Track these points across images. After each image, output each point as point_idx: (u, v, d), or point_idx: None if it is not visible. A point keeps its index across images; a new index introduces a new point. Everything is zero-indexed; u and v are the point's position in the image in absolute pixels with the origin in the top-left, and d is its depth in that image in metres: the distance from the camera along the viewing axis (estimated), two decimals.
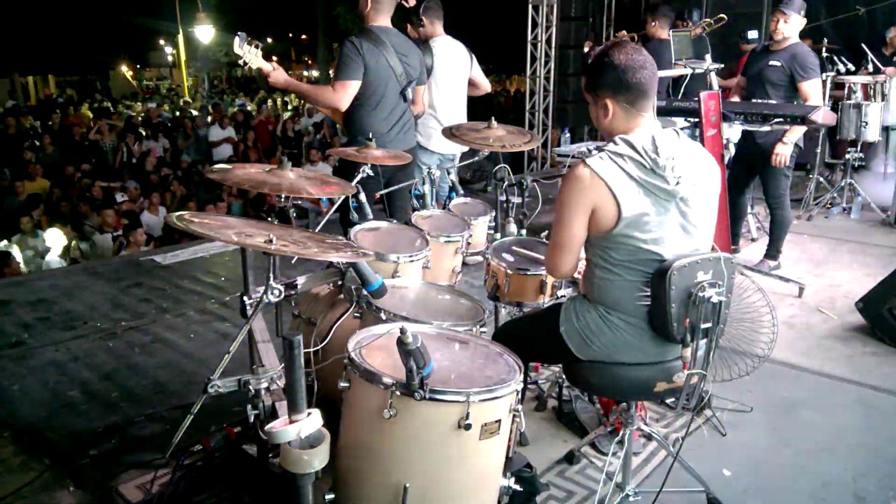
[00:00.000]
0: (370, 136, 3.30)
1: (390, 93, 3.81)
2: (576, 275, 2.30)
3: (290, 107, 19.30)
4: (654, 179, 2.03)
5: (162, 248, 6.52)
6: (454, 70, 4.71)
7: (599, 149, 2.12)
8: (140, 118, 15.93)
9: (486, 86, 5.09)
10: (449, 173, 3.97)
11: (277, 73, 3.67)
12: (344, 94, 3.68)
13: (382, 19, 3.82)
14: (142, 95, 27.65)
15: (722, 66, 5.91)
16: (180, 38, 25.11)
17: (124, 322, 4.18)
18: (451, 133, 3.54)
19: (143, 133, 13.66)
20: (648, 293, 2.09)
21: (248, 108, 18.27)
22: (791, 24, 4.59)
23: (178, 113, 17.73)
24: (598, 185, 2.02)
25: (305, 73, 32.86)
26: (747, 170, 4.89)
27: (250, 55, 3.54)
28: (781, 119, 4.15)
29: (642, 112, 2.11)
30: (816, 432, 3.01)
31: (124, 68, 32.93)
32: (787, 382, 3.43)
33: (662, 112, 4.50)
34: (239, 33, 3.51)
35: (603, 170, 2.03)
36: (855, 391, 3.36)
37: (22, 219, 7.54)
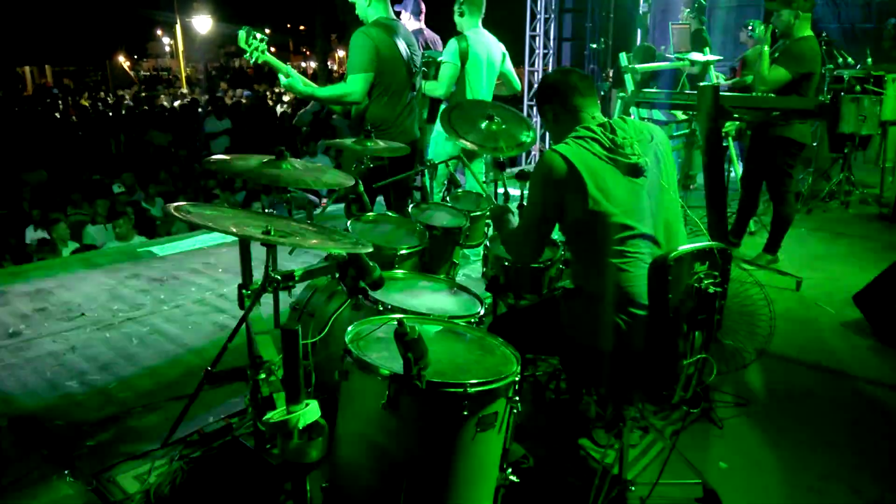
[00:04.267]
0: (370, 128, 3.29)
1: (401, 83, 3.82)
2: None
3: (286, 98, 19.25)
4: (617, 156, 2.16)
5: (159, 239, 6.51)
6: (486, 63, 4.69)
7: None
8: (139, 109, 15.90)
9: (515, 85, 5.00)
10: (447, 165, 3.97)
11: (292, 82, 3.67)
12: (359, 88, 3.68)
13: (385, 10, 3.83)
14: (139, 87, 27.54)
15: (721, 58, 5.90)
16: (178, 28, 25.03)
17: (122, 313, 4.17)
18: (451, 128, 3.52)
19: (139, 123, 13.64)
20: (645, 283, 2.10)
21: (244, 100, 18.22)
22: (784, 17, 4.54)
23: (176, 103, 17.69)
24: (564, 165, 2.14)
25: (304, 63, 32.81)
26: (760, 167, 4.84)
27: (256, 51, 3.54)
28: (779, 113, 4.15)
29: (581, 108, 2.32)
30: (813, 425, 3.01)
31: (122, 58, 32.80)
32: (783, 375, 3.44)
33: (661, 105, 4.51)
34: (244, 27, 3.51)
35: (567, 150, 2.17)
36: (851, 385, 3.37)
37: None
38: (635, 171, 2.17)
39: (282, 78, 3.73)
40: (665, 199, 2.24)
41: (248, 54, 3.56)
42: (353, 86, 3.68)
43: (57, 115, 16.40)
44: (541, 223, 2.28)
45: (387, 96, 3.79)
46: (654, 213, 2.19)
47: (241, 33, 3.50)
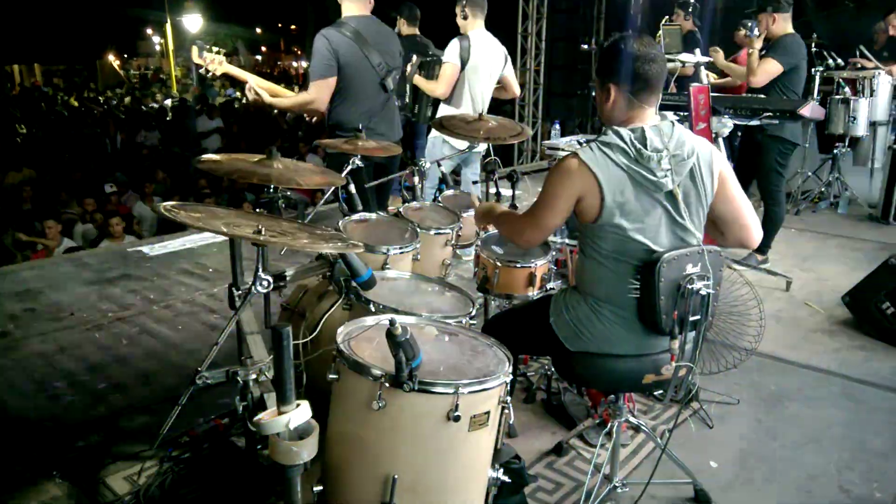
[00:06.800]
0: (360, 128, 3.27)
1: (368, 85, 3.73)
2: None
3: None
4: (641, 169, 2.05)
5: (149, 238, 6.48)
6: (487, 66, 4.67)
7: (590, 141, 2.14)
8: (124, 108, 15.81)
9: (515, 89, 5.00)
10: (439, 165, 3.96)
11: (258, 93, 3.58)
12: (319, 95, 3.60)
13: (357, 8, 3.73)
14: (129, 85, 27.39)
15: (711, 60, 5.91)
16: (168, 27, 24.87)
17: (111, 313, 4.15)
18: (440, 125, 3.53)
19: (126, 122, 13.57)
20: (638, 285, 2.10)
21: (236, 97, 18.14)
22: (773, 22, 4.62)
23: (167, 102, 17.61)
24: (585, 174, 2.05)
25: (295, 63, 32.68)
26: (748, 167, 4.87)
27: (213, 63, 3.43)
28: (770, 113, 4.17)
29: (644, 105, 2.13)
30: (803, 425, 3.03)
31: (111, 57, 32.59)
32: (774, 375, 3.45)
33: None
34: (196, 41, 3.40)
35: (590, 159, 2.06)
36: (841, 384, 3.39)
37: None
38: (657, 188, 2.06)
39: (248, 93, 3.63)
40: (690, 224, 2.13)
41: (203, 69, 3.45)
42: (314, 93, 3.58)
43: (47, 113, 16.30)
44: (549, 223, 2.19)
45: (353, 99, 3.70)
46: (670, 231, 2.12)
47: (194, 49, 3.37)
